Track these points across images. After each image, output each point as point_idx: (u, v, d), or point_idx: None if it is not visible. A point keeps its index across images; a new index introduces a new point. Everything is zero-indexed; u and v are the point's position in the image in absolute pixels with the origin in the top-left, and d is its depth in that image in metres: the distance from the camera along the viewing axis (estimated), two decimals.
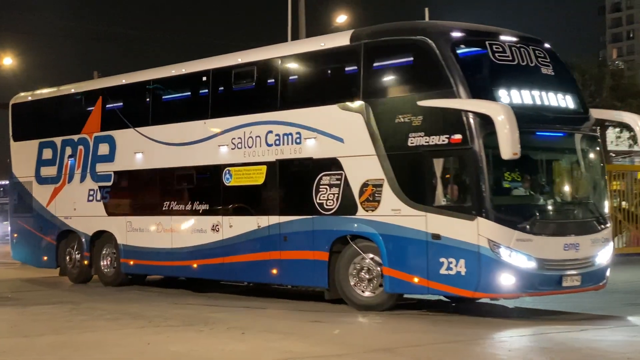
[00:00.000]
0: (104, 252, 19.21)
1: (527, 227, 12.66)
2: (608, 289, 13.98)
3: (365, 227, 13.93)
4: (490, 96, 12.87)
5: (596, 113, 14.59)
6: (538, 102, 13.35)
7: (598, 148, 14.19)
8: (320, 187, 14.60)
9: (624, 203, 26.50)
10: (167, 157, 17.56)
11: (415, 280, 13.30)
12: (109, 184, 18.95)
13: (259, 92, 16.37)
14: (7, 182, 23.42)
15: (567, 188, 14.04)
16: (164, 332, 12.28)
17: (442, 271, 12.90)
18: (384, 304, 13.93)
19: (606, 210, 13.87)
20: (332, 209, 14.43)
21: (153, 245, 17.87)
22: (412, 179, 13.45)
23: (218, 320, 13.40)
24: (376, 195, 13.77)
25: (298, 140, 14.96)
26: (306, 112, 14.98)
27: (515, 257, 12.49)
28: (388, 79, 14.34)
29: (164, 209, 17.62)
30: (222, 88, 17.21)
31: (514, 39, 13.73)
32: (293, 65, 15.80)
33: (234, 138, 16.04)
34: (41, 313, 14.70)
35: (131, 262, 18.40)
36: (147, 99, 18.60)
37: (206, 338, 11.71)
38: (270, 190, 15.57)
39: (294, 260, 15.04)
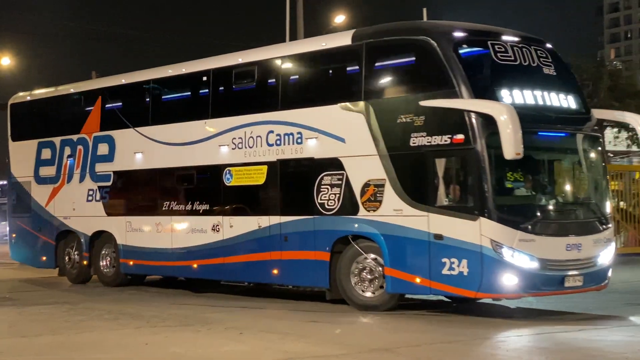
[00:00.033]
0: (103, 252, 19.17)
1: (530, 227, 12.65)
2: (606, 289, 13.97)
3: (367, 227, 13.91)
4: (492, 96, 12.85)
5: (598, 113, 14.60)
6: (540, 102, 13.34)
7: (600, 148, 14.21)
8: (322, 187, 14.57)
9: (622, 203, 26.52)
10: (167, 157, 17.52)
11: (417, 280, 13.28)
12: (109, 184, 18.91)
13: (259, 92, 16.36)
14: (6, 182, 23.30)
15: (569, 188, 14.05)
16: (162, 332, 12.27)
17: (445, 271, 12.89)
18: (385, 304, 13.91)
19: (608, 210, 13.86)
20: (333, 209, 14.40)
21: (153, 245, 17.83)
22: (414, 179, 13.44)
23: (216, 320, 13.39)
24: (378, 195, 13.75)
25: (299, 140, 14.94)
26: (307, 112, 14.95)
27: (518, 258, 12.48)
28: (390, 79, 14.33)
29: (164, 209, 17.59)
30: (222, 88, 17.20)
31: (516, 39, 13.72)
32: (294, 65, 15.78)
33: (235, 138, 16.01)
34: (39, 313, 14.67)
35: (131, 263, 18.36)
36: (147, 99, 18.57)
37: (204, 338, 11.69)
38: (271, 190, 15.55)
39: (295, 260, 15.01)
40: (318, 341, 11.43)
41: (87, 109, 19.72)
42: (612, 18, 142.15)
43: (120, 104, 19.16)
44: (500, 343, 11.42)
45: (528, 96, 13.21)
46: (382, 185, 13.68)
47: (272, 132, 15.38)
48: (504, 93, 12.97)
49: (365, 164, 13.94)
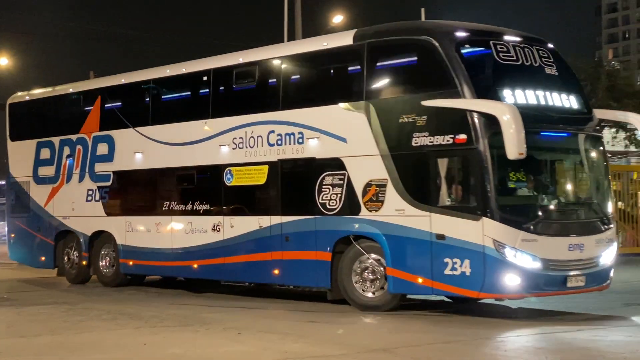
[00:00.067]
0: (102, 252, 19.12)
1: (532, 227, 12.64)
2: (605, 290, 13.98)
3: (369, 227, 13.89)
4: (494, 96, 12.84)
5: (600, 113, 14.61)
6: (542, 102, 13.34)
7: (602, 148, 14.20)
8: (323, 187, 14.55)
9: (619, 203, 26.54)
10: (167, 157, 17.49)
11: (420, 280, 13.26)
12: (108, 184, 18.87)
13: (260, 92, 16.36)
14: (4, 182, 23.25)
15: (571, 188, 14.06)
16: (161, 332, 12.26)
17: (447, 271, 12.87)
18: (387, 304, 13.89)
19: (610, 210, 13.87)
20: (334, 209, 14.38)
21: (153, 245, 17.80)
22: (416, 179, 13.42)
23: (215, 320, 13.37)
24: (379, 195, 13.73)
25: (300, 140, 14.92)
26: (309, 112, 14.93)
27: (521, 258, 12.47)
28: (391, 78, 14.30)
29: (164, 209, 17.56)
30: (223, 88, 17.18)
31: (518, 39, 13.71)
32: (295, 65, 15.76)
33: (235, 138, 15.98)
34: (38, 313, 14.64)
35: (130, 263, 18.32)
36: (147, 99, 18.55)
37: (202, 338, 11.67)
38: (272, 190, 15.52)
39: (296, 260, 14.99)
40: (317, 341, 11.42)
41: (87, 108, 19.69)
42: (610, 18, 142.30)
43: (120, 103, 19.11)
44: (500, 343, 11.42)
45: (530, 96, 13.20)
46: (384, 185, 13.66)
47: (273, 132, 15.36)
48: (507, 93, 12.96)
49: (367, 164, 13.92)
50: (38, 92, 21.97)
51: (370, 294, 14.05)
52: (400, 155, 13.54)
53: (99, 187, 19.05)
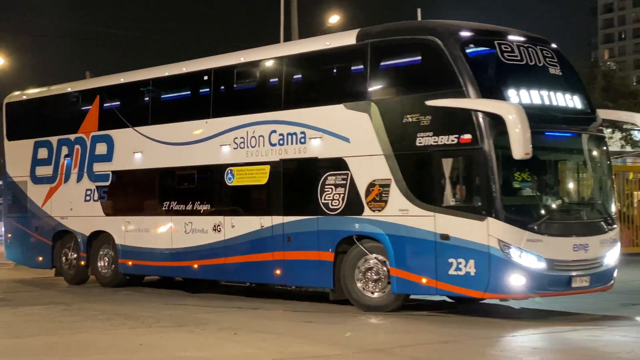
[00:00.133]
0: (101, 252, 19.02)
1: (537, 227, 12.62)
2: None
3: (372, 227, 13.84)
4: (499, 96, 12.83)
5: (604, 113, 14.60)
6: (547, 102, 13.32)
7: (605, 148, 14.19)
8: (326, 187, 14.50)
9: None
10: (167, 156, 17.41)
11: (424, 280, 13.23)
12: (107, 183, 18.77)
13: (262, 92, 16.31)
14: (1, 182, 23.14)
15: (575, 188, 14.06)
16: (156, 332, 12.22)
17: (451, 272, 12.84)
18: (390, 304, 13.86)
19: (613, 210, 13.86)
20: (337, 209, 14.33)
21: (152, 245, 17.72)
22: (421, 179, 13.40)
23: (211, 320, 13.33)
24: (383, 195, 13.69)
25: (303, 140, 14.87)
26: (311, 111, 14.89)
27: (526, 258, 12.46)
28: (395, 78, 14.28)
29: (164, 209, 17.48)
30: (224, 87, 17.11)
31: (522, 39, 13.69)
32: (298, 65, 15.70)
33: (237, 138, 15.92)
34: (33, 314, 14.57)
35: (129, 263, 18.23)
36: (147, 98, 18.47)
37: (198, 339, 11.64)
38: (273, 190, 15.46)
39: (298, 260, 14.94)
40: (313, 341, 11.39)
41: (85, 108, 19.59)
42: (606, 19, 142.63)
43: (119, 103, 19.02)
44: (497, 343, 11.41)
45: (535, 96, 13.18)
46: (388, 185, 13.62)
47: (274, 131, 15.30)
48: (511, 93, 12.94)
49: (370, 163, 13.88)
50: (35, 91, 21.88)
51: (373, 294, 14.01)
52: (404, 155, 13.50)
53: (97, 187, 18.95)
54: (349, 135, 14.25)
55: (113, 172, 18.65)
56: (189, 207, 16.96)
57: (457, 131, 12.81)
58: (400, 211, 13.45)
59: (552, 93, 13.42)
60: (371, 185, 13.87)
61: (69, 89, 20.60)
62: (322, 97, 15.00)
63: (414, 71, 14.05)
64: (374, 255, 13.93)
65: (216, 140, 16.31)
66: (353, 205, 14.11)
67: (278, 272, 15.25)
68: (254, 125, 15.66)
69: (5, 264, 24.84)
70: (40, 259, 20.49)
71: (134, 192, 18.54)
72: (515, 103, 12.58)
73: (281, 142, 15.19)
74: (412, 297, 14.53)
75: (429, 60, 13.57)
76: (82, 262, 19.32)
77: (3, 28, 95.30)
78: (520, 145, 11.97)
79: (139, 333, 12.19)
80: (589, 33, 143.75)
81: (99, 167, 18.88)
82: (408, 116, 13.43)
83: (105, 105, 19.08)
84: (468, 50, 13.18)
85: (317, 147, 14.68)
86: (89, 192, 19.14)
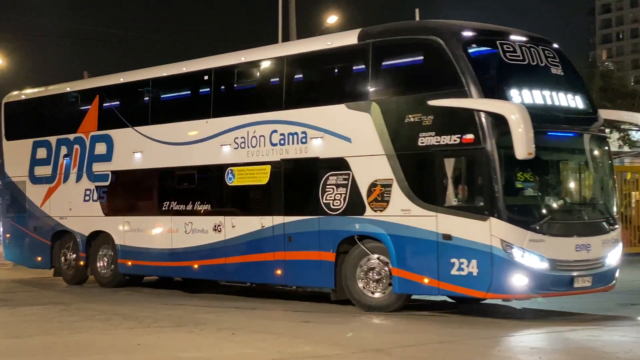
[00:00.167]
0: (100, 252, 18.97)
1: (540, 227, 12.61)
2: None
3: (374, 228, 13.82)
4: (502, 96, 12.82)
5: (605, 114, 14.59)
6: (549, 102, 13.31)
7: (607, 148, 14.19)
8: (327, 187, 14.48)
9: None
10: (167, 156, 17.38)
11: (426, 280, 13.21)
12: (106, 183, 18.73)
13: (263, 92, 16.29)
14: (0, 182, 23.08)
15: (578, 188, 14.06)
16: (155, 333, 12.20)
17: (454, 272, 12.82)
18: (392, 304, 13.84)
19: (615, 210, 13.86)
20: (339, 209, 14.31)
21: (152, 245, 17.68)
22: (423, 179, 13.38)
23: (209, 321, 13.29)
24: (385, 195, 13.67)
25: (304, 140, 14.84)
26: (312, 111, 14.86)
27: (528, 258, 12.44)
28: (397, 78, 14.28)
29: (163, 209, 17.44)
30: (225, 87, 17.08)
31: (524, 39, 13.68)
32: (299, 64, 15.69)
33: (237, 137, 15.89)
34: (32, 314, 14.53)
35: (129, 263, 18.19)
36: (147, 98, 18.44)
37: (196, 339, 11.61)
38: (274, 190, 15.43)
39: (299, 260, 14.92)
40: (311, 342, 11.36)
41: (85, 108, 19.54)
42: (604, 19, 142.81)
43: (119, 103, 18.97)
44: (495, 343, 11.39)
45: (537, 96, 13.17)
46: (390, 185, 13.60)
47: (275, 131, 15.27)
48: (513, 93, 12.92)
49: (372, 163, 13.86)
50: (34, 91, 21.81)
51: (375, 295, 13.99)
52: (406, 155, 13.48)
53: (97, 187, 18.91)
54: (351, 135, 14.23)
55: (112, 172, 18.60)
56: (189, 207, 16.93)
57: (459, 131, 12.79)
58: (402, 211, 13.43)
59: (554, 93, 13.41)
60: (373, 185, 13.85)
61: (68, 89, 20.56)
62: (323, 97, 14.98)
63: (416, 71, 14.03)
64: (376, 255, 13.90)
65: (216, 140, 16.28)
66: (354, 205, 14.09)
67: (279, 272, 15.22)
68: (255, 125, 15.63)
69: (4, 264, 24.83)
70: (39, 259, 20.44)
71: (134, 192, 18.50)
72: (518, 103, 12.57)
73: (282, 142, 15.16)
74: (413, 297, 14.53)
75: (431, 60, 13.56)
76: (81, 262, 19.28)
77: (3, 28, 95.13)
78: (523, 145, 11.96)
79: (137, 333, 12.17)
80: (587, 33, 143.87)
81: (98, 167, 18.84)
82: (410, 116, 13.42)
83: (104, 105, 19.04)
84: (470, 50, 13.16)
85: (318, 147, 14.65)
86: (88, 192, 19.10)
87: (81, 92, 20.04)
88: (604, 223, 13.54)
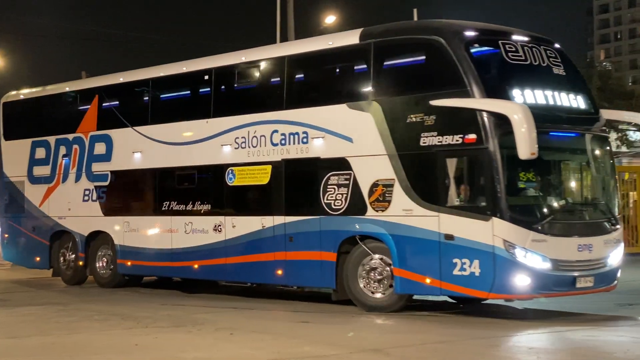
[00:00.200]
0: (99, 253, 18.92)
1: (542, 227, 12.60)
2: None
3: (375, 228, 13.80)
4: (504, 96, 12.80)
5: (606, 114, 14.59)
6: (551, 102, 13.30)
7: (608, 148, 14.20)
8: (328, 187, 14.46)
9: None
10: (167, 156, 17.34)
11: (428, 281, 13.19)
12: (106, 183, 18.68)
13: (264, 91, 16.25)
14: None
15: (580, 188, 14.04)
16: (153, 333, 12.17)
17: (456, 272, 12.81)
18: (394, 304, 13.81)
19: (617, 210, 13.86)
20: (340, 209, 14.29)
21: (152, 245, 17.65)
22: (425, 178, 13.35)
23: (207, 321, 13.27)
24: (386, 195, 13.65)
25: (305, 140, 14.81)
26: (313, 111, 14.84)
27: (531, 258, 12.43)
28: (399, 78, 14.26)
29: (163, 209, 17.40)
30: (225, 87, 17.05)
31: (526, 39, 13.67)
32: (300, 64, 15.65)
33: (238, 137, 15.86)
34: (30, 314, 14.51)
35: (129, 263, 18.14)
36: (147, 98, 18.39)
37: (194, 339, 11.59)
38: (275, 190, 15.40)
39: (301, 261, 14.89)
40: (310, 342, 11.35)
41: (84, 107, 19.49)
42: (602, 19, 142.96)
43: (119, 103, 18.93)
44: (494, 343, 11.37)
45: (539, 96, 13.15)
46: (391, 185, 13.58)
47: (276, 131, 15.24)
48: (516, 92, 12.91)
49: (373, 163, 13.84)
50: (33, 90, 21.75)
51: (376, 295, 13.97)
52: (408, 155, 13.47)
53: (96, 187, 18.86)
54: (352, 135, 14.21)
55: (112, 172, 18.56)
56: (189, 207, 16.89)
57: (461, 131, 12.77)
58: (404, 211, 13.41)
59: (556, 93, 13.40)
60: (374, 185, 13.82)
61: (67, 89, 20.49)
62: (324, 97, 14.96)
63: (418, 71, 14.00)
64: (377, 255, 13.88)
65: (217, 140, 16.25)
66: (356, 205, 14.07)
67: (280, 272, 15.19)
68: (256, 125, 15.60)
69: (2, 264, 24.78)
70: (38, 259, 20.38)
71: (134, 192, 18.46)
72: (521, 103, 12.55)
73: (283, 142, 15.13)
74: (415, 297, 14.51)
75: (433, 60, 13.54)
76: (80, 263, 19.23)
77: (2, 28, 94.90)
78: (526, 145, 11.95)
79: (135, 333, 12.15)
80: (585, 33, 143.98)
81: (97, 167, 18.79)
82: (412, 116, 13.40)
83: (104, 104, 18.99)
84: (472, 50, 13.15)
85: (319, 147, 14.63)
86: (87, 192, 19.05)
87: (80, 92, 19.98)
88: (606, 223, 13.53)
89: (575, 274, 12.86)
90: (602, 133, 14.05)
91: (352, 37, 14.67)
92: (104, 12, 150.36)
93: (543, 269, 12.52)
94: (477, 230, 12.57)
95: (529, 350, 10.74)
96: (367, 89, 14.20)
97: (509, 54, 13.19)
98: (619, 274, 13.72)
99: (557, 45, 14.13)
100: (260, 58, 16.19)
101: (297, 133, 14.93)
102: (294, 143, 14.97)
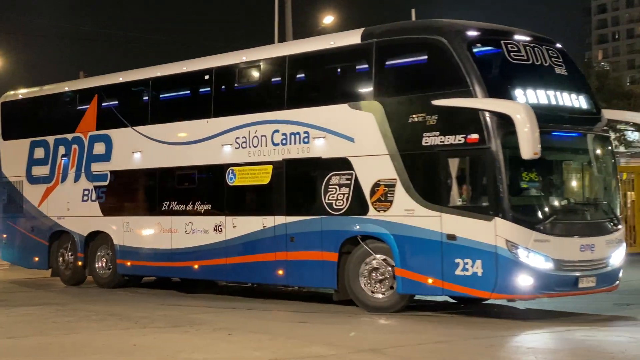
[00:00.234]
0: (99, 253, 18.87)
1: (545, 227, 12.59)
2: None
3: (377, 228, 13.78)
4: (506, 95, 12.79)
5: (608, 114, 14.59)
6: (553, 102, 13.30)
7: (610, 148, 14.21)
8: (330, 187, 14.43)
9: None
10: (167, 156, 17.29)
11: (429, 281, 13.17)
12: (105, 183, 18.63)
13: (265, 91, 16.22)
14: None
15: (582, 188, 14.03)
16: (150, 333, 12.15)
17: (458, 272, 12.79)
18: (395, 305, 13.79)
19: (618, 210, 13.85)
20: (341, 209, 14.26)
21: (152, 246, 17.60)
22: (427, 178, 13.33)
23: (205, 321, 13.24)
24: (388, 195, 13.63)
25: (306, 140, 14.78)
26: (315, 111, 14.81)
27: (533, 258, 12.42)
28: (401, 78, 14.25)
29: (163, 209, 17.36)
30: (226, 87, 17.00)
31: (528, 39, 13.67)
32: (301, 64, 15.61)
33: (239, 137, 15.82)
34: (27, 314, 14.46)
35: (128, 263, 18.10)
36: (146, 98, 18.34)
37: (192, 339, 11.57)
38: (276, 190, 15.37)
39: (302, 261, 14.87)
40: (307, 342, 11.32)
41: (83, 107, 19.43)
42: (600, 19, 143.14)
43: (118, 102, 18.88)
44: (492, 343, 11.35)
45: (541, 96, 13.15)
46: (393, 185, 13.56)
47: (277, 131, 15.21)
48: (518, 92, 12.90)
49: (375, 163, 13.82)
50: (32, 90, 21.70)
51: (378, 295, 13.94)
52: (410, 155, 13.45)
53: (95, 187, 18.81)
54: (354, 135, 14.19)
55: (111, 172, 18.51)
56: (190, 207, 16.85)
57: (464, 131, 12.76)
58: (406, 211, 13.39)
59: (558, 93, 13.40)
60: (376, 185, 13.80)
61: (67, 88, 20.46)
62: (326, 97, 14.93)
63: (420, 71, 13.99)
64: (379, 255, 13.85)
65: (217, 140, 16.22)
66: (357, 205, 14.05)
67: (280, 272, 15.16)
68: (256, 125, 15.57)
69: (1, 264, 24.68)
70: (37, 259, 20.33)
71: (133, 192, 18.41)
72: (523, 102, 12.54)
73: (284, 141, 15.10)
74: (416, 297, 14.48)
75: (436, 59, 13.52)
76: (80, 263, 19.18)
77: (2, 28, 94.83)
78: (529, 145, 11.94)
79: (133, 334, 12.12)
80: (583, 33, 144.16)
81: (97, 167, 18.74)
82: (414, 116, 13.38)
83: (103, 104, 18.95)
84: (475, 50, 13.13)
85: (320, 147, 14.60)
86: (86, 192, 19.00)
87: (80, 92, 19.93)
88: (608, 223, 13.52)
89: (578, 274, 12.85)
90: (604, 133, 14.06)
91: (353, 37, 14.65)
92: (103, 12, 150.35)
93: (545, 269, 12.51)
94: (480, 230, 12.55)
95: (529, 350, 10.74)
96: (369, 88, 14.18)
97: (511, 53, 13.18)
98: (620, 274, 13.71)
99: (558, 45, 14.14)
100: (261, 58, 16.15)
101: (298, 133, 14.91)
102: (295, 143, 14.94)
